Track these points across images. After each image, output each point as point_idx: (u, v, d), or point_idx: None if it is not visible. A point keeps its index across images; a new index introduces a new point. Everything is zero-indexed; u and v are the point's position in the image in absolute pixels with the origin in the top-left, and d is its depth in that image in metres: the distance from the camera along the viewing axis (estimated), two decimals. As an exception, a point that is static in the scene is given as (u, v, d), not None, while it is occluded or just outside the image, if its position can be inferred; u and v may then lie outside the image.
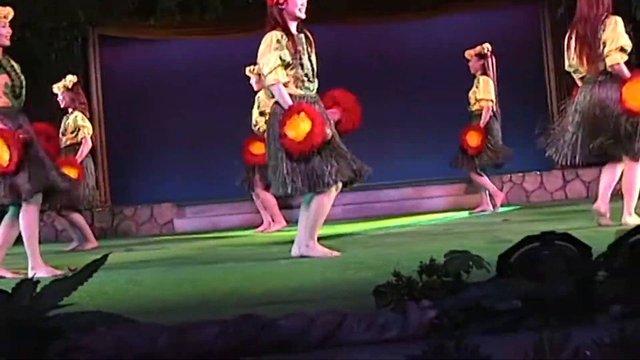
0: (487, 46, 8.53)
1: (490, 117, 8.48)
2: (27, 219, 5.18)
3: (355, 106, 5.21)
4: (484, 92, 8.41)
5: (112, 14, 11.15)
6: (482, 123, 8.40)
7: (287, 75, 4.94)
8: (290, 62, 4.93)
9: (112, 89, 11.32)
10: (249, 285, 3.83)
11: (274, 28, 4.98)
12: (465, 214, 8.52)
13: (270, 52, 4.92)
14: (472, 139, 8.40)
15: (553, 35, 10.54)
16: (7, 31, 5.28)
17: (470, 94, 8.59)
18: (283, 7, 4.95)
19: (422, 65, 9.73)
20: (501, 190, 9.39)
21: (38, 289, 2.13)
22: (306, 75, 5.01)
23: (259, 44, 4.99)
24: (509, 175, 10.30)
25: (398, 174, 10.82)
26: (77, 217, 8.24)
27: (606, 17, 5.47)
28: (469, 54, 8.64)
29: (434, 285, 2.23)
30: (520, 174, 10.32)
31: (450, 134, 8.80)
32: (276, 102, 5.02)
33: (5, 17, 5.27)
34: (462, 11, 11.53)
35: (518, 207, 9.24)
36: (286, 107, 4.90)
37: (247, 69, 8.53)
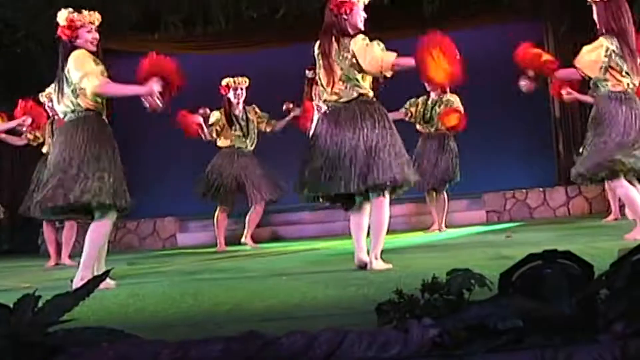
0: None
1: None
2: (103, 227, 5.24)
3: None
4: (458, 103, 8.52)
5: (116, 28, 11.18)
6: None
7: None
8: None
9: (115, 103, 11.33)
10: (251, 301, 3.83)
11: (331, 38, 5.01)
12: (469, 230, 8.51)
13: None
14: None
15: (556, 51, 10.54)
16: (94, 37, 5.19)
17: (440, 110, 8.57)
18: (347, 18, 5.01)
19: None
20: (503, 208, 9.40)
21: (40, 304, 2.13)
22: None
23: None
24: (512, 192, 10.30)
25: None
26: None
27: None
28: None
29: (436, 303, 2.23)
30: (524, 190, 10.32)
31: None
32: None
33: (91, 22, 5.17)
34: (463, 27, 11.54)
35: (521, 223, 9.24)
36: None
37: (225, 81, 8.60)
